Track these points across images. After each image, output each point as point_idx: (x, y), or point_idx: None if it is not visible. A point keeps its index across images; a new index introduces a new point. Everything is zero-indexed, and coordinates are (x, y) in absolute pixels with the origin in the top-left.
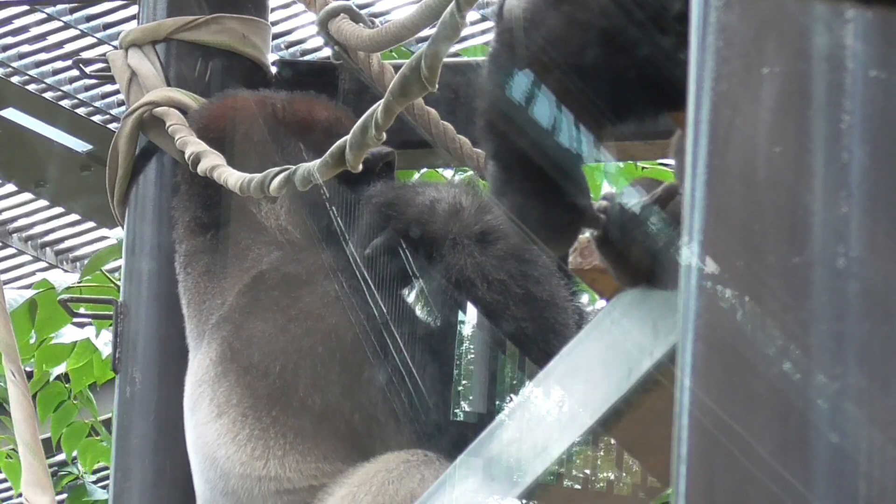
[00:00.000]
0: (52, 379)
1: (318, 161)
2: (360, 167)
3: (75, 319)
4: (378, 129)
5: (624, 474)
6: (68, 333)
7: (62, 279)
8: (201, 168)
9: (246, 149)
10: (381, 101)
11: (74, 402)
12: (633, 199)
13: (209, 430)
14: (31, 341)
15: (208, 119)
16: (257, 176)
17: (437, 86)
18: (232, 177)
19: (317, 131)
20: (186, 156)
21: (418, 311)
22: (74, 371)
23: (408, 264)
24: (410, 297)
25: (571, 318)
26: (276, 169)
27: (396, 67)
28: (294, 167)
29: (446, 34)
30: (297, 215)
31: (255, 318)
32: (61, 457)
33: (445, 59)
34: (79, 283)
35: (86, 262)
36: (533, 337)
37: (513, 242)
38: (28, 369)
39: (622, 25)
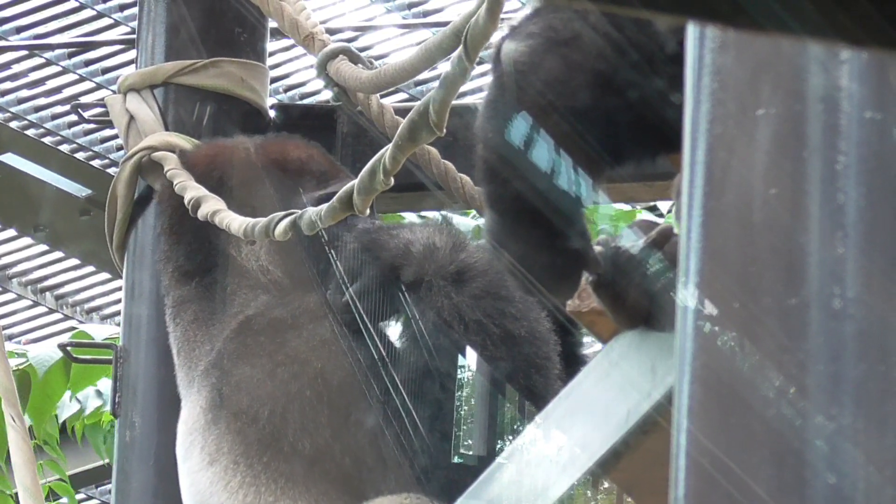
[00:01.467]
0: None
1: (324, 206)
2: (368, 212)
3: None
4: (386, 175)
5: None
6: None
7: (98, 331)
8: (202, 213)
9: (224, 192)
10: (389, 146)
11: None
12: (630, 242)
13: (201, 477)
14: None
15: (201, 162)
16: (262, 221)
17: (444, 131)
18: (235, 222)
19: (290, 171)
20: (186, 201)
21: (403, 354)
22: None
23: (389, 307)
24: (393, 339)
25: (553, 352)
26: (282, 213)
27: (397, 110)
28: (300, 211)
29: (454, 79)
30: (276, 255)
31: (242, 364)
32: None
33: None
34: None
35: (86, 307)
36: (514, 375)
37: (488, 280)
38: None
39: (618, 67)
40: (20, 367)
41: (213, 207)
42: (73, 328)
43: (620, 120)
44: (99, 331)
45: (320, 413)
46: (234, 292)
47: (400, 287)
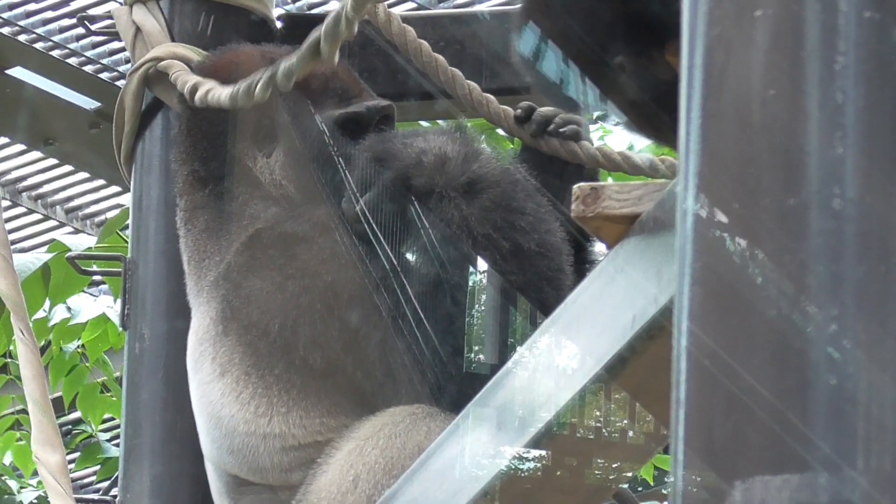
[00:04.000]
0: (67, 356)
1: (295, 55)
2: (336, 60)
3: (87, 288)
4: (348, 22)
5: (638, 422)
6: (84, 309)
7: (76, 241)
8: (198, 97)
9: None
10: None
11: (86, 364)
12: None
13: (213, 389)
14: (45, 307)
15: (210, 71)
16: (243, 84)
17: None
18: (223, 94)
19: (315, 83)
20: (186, 90)
21: (414, 266)
22: (90, 342)
23: (402, 218)
24: (405, 251)
25: (566, 263)
26: (260, 72)
27: (404, 18)
28: (273, 68)
29: None
30: (290, 170)
31: (253, 277)
32: (74, 415)
33: (449, 10)
34: (95, 246)
35: (96, 220)
36: (525, 288)
37: (500, 191)
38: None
39: None
40: None
41: (206, 88)
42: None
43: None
44: (79, 241)
45: (331, 326)
46: (245, 203)
47: (411, 198)
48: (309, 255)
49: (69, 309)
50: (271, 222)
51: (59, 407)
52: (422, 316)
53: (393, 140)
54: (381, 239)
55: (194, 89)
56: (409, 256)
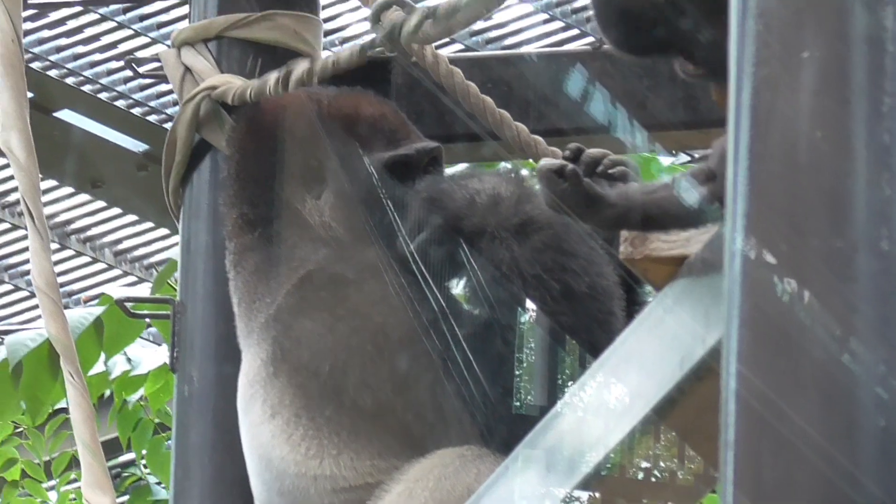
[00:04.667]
0: (130, 406)
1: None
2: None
3: (143, 334)
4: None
5: (687, 464)
6: (144, 360)
7: (126, 293)
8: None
9: (293, 144)
10: None
11: (149, 417)
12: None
13: (263, 430)
14: (101, 359)
15: (257, 111)
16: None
17: None
18: (236, 90)
19: (360, 128)
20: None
21: (466, 307)
22: (152, 394)
23: (453, 260)
24: (458, 292)
25: (616, 307)
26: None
27: (451, 60)
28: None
29: None
30: (339, 211)
31: (303, 318)
32: (125, 457)
33: (496, 52)
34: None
35: (144, 262)
36: (575, 330)
37: (552, 233)
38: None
39: None
40: None
41: (230, 89)
42: (132, 284)
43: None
44: (128, 292)
45: (381, 367)
46: (295, 245)
47: (462, 239)
48: (359, 297)
49: (129, 360)
50: (321, 264)
51: (116, 447)
52: (471, 357)
53: (447, 181)
54: (431, 280)
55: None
56: (460, 298)
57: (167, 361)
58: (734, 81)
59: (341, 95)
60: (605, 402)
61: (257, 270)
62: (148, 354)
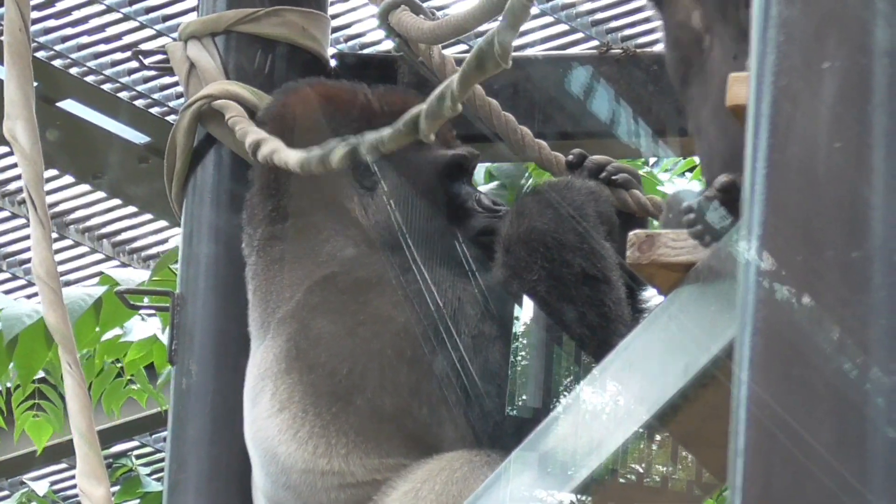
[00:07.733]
0: (106, 367)
1: (388, 129)
2: (433, 138)
3: (141, 311)
4: (454, 101)
5: (679, 469)
6: (136, 329)
7: (125, 275)
8: (261, 155)
9: (338, 132)
10: (458, 73)
11: (126, 378)
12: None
13: (270, 424)
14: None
15: (267, 120)
16: (316, 151)
17: (510, 63)
18: (292, 158)
19: None
20: (247, 144)
21: (480, 311)
22: (130, 363)
23: (467, 266)
24: (473, 296)
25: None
26: (337, 140)
27: (457, 61)
28: (357, 138)
29: (517, 12)
30: (385, 211)
31: (322, 318)
32: (115, 448)
33: None
34: (148, 281)
35: (143, 254)
36: (599, 352)
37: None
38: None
39: None
40: None
41: (271, 148)
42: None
43: None
44: (128, 275)
45: (397, 371)
46: (327, 240)
47: (497, 253)
48: (381, 301)
49: (122, 326)
50: (349, 264)
51: (108, 437)
52: (482, 361)
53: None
54: (482, 280)
55: (257, 145)
56: (475, 302)
57: (156, 333)
58: (754, 91)
59: (389, 92)
60: (607, 406)
61: (281, 259)
62: (142, 325)
